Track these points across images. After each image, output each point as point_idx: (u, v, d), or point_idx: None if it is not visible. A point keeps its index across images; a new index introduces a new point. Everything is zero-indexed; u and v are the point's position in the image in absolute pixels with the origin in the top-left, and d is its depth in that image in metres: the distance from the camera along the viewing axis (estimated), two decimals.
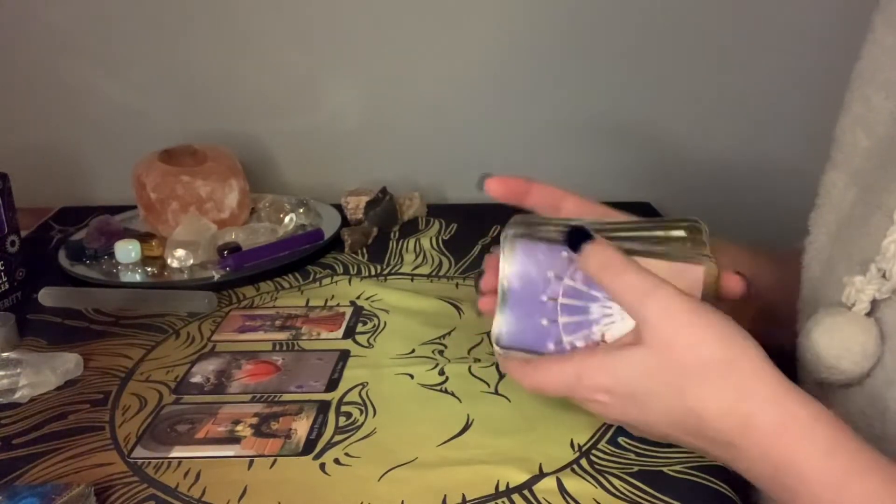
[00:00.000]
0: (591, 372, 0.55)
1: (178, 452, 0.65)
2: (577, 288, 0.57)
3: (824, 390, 0.57)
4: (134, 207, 1.03)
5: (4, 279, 0.87)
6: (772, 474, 0.50)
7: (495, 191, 0.60)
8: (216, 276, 0.91)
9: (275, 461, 0.64)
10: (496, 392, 0.71)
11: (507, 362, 0.60)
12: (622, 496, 0.58)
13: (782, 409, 0.50)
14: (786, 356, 0.64)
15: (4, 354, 0.76)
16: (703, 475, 0.60)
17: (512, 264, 0.57)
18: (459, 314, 0.84)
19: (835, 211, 0.62)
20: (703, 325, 0.52)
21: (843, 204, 0.61)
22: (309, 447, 0.65)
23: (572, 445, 0.64)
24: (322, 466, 0.63)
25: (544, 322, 0.57)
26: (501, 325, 0.58)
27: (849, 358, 0.54)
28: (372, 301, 0.87)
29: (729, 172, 1.16)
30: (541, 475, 0.60)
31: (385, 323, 0.83)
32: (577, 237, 0.56)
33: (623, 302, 0.54)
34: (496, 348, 0.59)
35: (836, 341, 0.54)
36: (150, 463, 0.64)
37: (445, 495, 0.59)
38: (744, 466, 0.52)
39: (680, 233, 0.58)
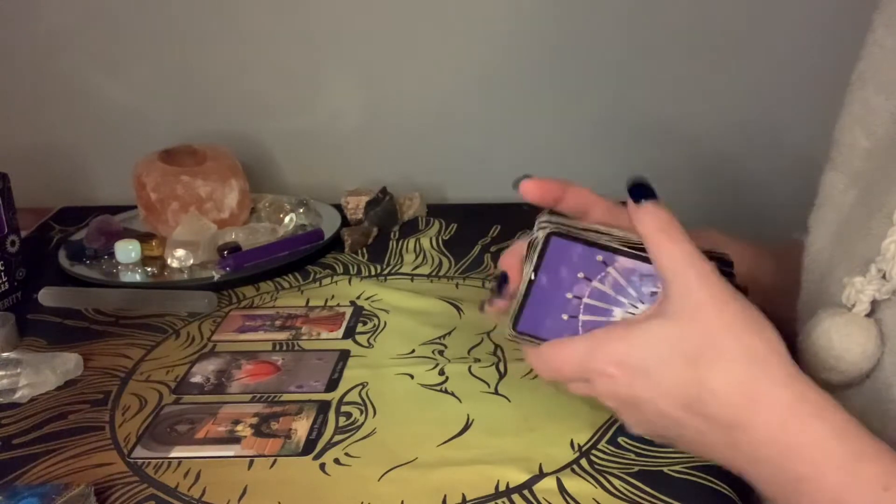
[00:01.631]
0: (608, 343, 0.54)
1: (178, 452, 0.65)
2: (605, 292, 0.56)
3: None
4: (134, 207, 1.03)
5: (4, 279, 0.87)
6: (778, 459, 0.49)
7: (532, 193, 0.58)
8: (216, 276, 0.91)
9: (275, 461, 0.64)
10: (496, 392, 0.71)
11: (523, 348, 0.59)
12: (622, 496, 0.58)
13: (795, 391, 0.50)
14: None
15: (4, 354, 0.76)
16: (703, 475, 0.60)
17: (544, 259, 0.56)
18: (459, 314, 0.84)
19: (835, 212, 0.62)
20: (733, 306, 0.52)
21: (843, 205, 0.61)
22: (309, 447, 0.65)
23: (572, 445, 0.64)
24: (322, 466, 0.63)
25: (564, 317, 0.57)
26: (520, 311, 0.58)
27: (848, 359, 0.54)
28: (372, 301, 0.87)
29: (731, 171, 1.16)
30: (541, 475, 0.60)
31: (385, 323, 0.83)
32: (640, 191, 0.55)
33: (667, 266, 0.53)
34: (508, 331, 0.58)
35: (835, 342, 0.54)
36: (150, 463, 0.64)
37: (445, 495, 0.59)
38: (744, 453, 0.51)
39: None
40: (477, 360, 0.76)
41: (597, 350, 0.54)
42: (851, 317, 0.54)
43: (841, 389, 0.55)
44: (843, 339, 0.54)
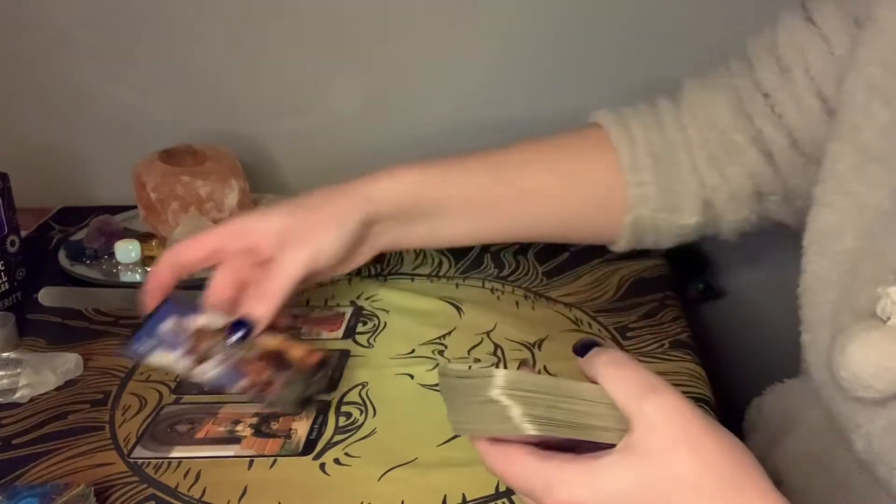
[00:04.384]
0: (568, 484, 0.45)
1: (178, 452, 0.65)
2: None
3: (850, 406, 0.54)
4: (134, 207, 1.03)
5: (4, 279, 0.87)
6: None
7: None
8: None
9: (275, 461, 0.64)
10: None
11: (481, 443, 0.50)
12: None
13: None
14: None
15: (4, 354, 0.76)
16: None
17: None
18: (459, 314, 0.84)
19: (842, 191, 0.57)
20: (706, 434, 0.45)
21: (852, 182, 0.55)
22: (309, 447, 0.65)
23: None
24: (322, 466, 0.63)
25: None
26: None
27: (886, 376, 0.50)
28: (372, 301, 0.87)
29: None
30: None
31: (385, 323, 0.83)
32: (585, 347, 0.49)
33: (625, 401, 0.46)
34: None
35: (871, 358, 0.50)
36: (150, 463, 0.64)
37: (445, 495, 0.59)
38: None
39: None
40: (477, 360, 0.76)
41: (554, 487, 0.46)
42: (887, 331, 0.50)
43: (870, 405, 0.52)
44: (879, 355, 0.50)
